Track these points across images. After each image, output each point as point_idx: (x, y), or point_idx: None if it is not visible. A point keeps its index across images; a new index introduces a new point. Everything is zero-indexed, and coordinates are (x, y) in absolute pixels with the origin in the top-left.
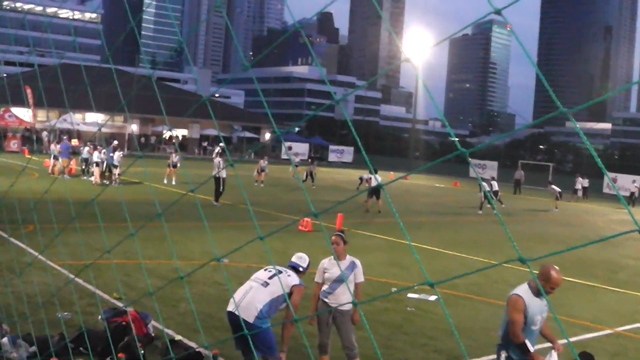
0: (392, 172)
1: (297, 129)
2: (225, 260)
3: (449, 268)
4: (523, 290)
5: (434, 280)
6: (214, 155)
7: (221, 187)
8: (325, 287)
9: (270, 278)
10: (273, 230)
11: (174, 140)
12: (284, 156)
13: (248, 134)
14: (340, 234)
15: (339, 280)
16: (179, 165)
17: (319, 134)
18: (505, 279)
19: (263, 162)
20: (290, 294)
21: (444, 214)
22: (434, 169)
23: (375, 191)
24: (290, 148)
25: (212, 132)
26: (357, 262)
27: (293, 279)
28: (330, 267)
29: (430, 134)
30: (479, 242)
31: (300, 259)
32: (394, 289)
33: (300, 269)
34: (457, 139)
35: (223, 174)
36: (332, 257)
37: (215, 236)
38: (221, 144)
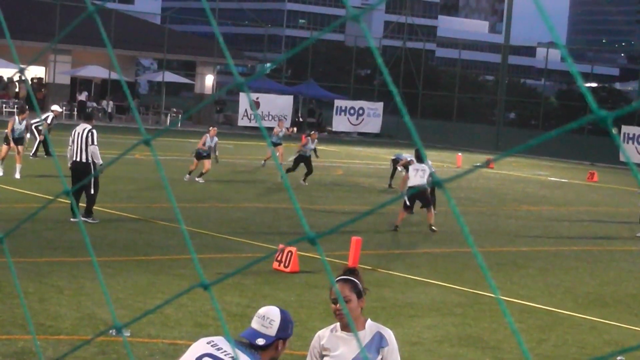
0: (460, 153)
1: (267, 65)
2: (125, 333)
3: (587, 345)
4: None
5: None
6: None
7: (91, 188)
8: None
9: None
10: (229, 272)
11: (16, 90)
12: (242, 122)
13: (172, 77)
14: (351, 276)
15: None
16: (28, 138)
17: (314, 76)
18: None
19: (209, 138)
20: None
21: (570, 239)
22: (547, 148)
23: (423, 193)
24: (256, 105)
25: (97, 72)
26: (388, 334)
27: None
28: (333, 345)
29: (540, 75)
30: None
31: (265, 320)
32: None
33: (261, 343)
34: (588, 87)
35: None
36: (337, 325)
37: (112, 283)
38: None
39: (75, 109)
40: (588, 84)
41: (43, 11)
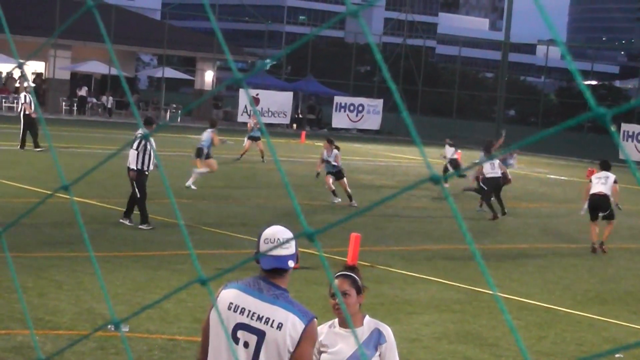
0: (459, 150)
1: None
2: (124, 329)
3: (585, 342)
4: None
5: None
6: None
7: (136, 191)
8: None
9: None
10: (227, 268)
11: (16, 85)
12: (242, 118)
13: (172, 73)
14: (352, 274)
15: None
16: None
17: (314, 72)
18: None
19: (208, 133)
20: (296, 351)
21: (569, 236)
22: (546, 145)
23: (496, 183)
24: (256, 102)
25: (97, 67)
26: (386, 331)
27: (295, 316)
28: (331, 342)
29: (540, 72)
30: None
31: (277, 240)
32: None
33: (292, 265)
34: (588, 84)
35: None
36: (336, 321)
37: (111, 278)
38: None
39: (75, 105)
40: (588, 82)
41: (43, 6)
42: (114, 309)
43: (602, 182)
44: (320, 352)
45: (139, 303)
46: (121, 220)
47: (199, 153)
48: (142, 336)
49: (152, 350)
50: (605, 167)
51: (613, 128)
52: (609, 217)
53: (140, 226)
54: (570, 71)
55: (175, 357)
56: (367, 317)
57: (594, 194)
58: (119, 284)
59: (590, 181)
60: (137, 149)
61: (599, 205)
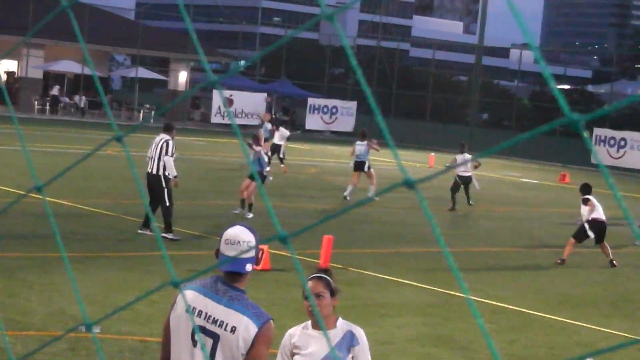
0: (432, 153)
1: (241, 63)
2: (95, 330)
3: (557, 346)
4: None
5: None
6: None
7: (166, 201)
8: None
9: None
10: (199, 271)
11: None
12: (216, 119)
13: (145, 73)
14: (325, 275)
15: None
16: None
17: (288, 74)
18: None
19: (364, 146)
20: (249, 353)
21: (541, 240)
22: (520, 149)
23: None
24: (230, 103)
25: (70, 67)
26: (359, 333)
27: (249, 319)
28: (304, 343)
29: (514, 76)
30: (614, 298)
31: (243, 244)
32: None
33: (250, 269)
34: (561, 89)
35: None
36: (309, 323)
37: (83, 279)
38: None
39: (48, 104)
40: (561, 86)
41: (16, 5)
42: (86, 310)
43: (602, 209)
44: (292, 354)
45: (111, 304)
46: (140, 231)
47: (360, 166)
48: (114, 337)
49: (123, 352)
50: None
51: (586, 134)
52: (600, 241)
53: (164, 235)
54: (544, 75)
55: (146, 358)
56: (340, 319)
57: (597, 220)
58: (91, 285)
59: (589, 201)
60: (172, 156)
61: (598, 232)
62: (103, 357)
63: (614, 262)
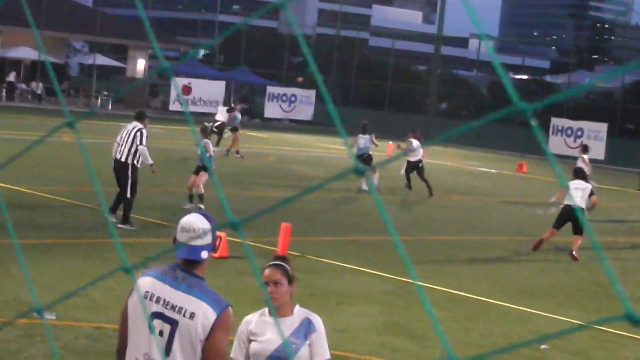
0: (391, 142)
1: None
2: (49, 316)
3: (512, 335)
4: None
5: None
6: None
7: (127, 192)
8: None
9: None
10: (151, 257)
11: None
12: (174, 106)
13: (103, 60)
14: (282, 262)
15: (280, 358)
16: None
17: (247, 62)
18: (618, 355)
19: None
20: (209, 340)
21: (498, 229)
22: (477, 139)
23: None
24: (188, 90)
25: (26, 53)
26: (316, 320)
27: (208, 305)
28: (261, 330)
29: (472, 66)
30: (569, 287)
31: (198, 231)
32: None
33: (205, 256)
34: (520, 79)
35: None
36: (267, 310)
37: (39, 266)
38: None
39: (4, 90)
40: (519, 76)
41: None
42: (42, 298)
43: (579, 195)
44: (249, 341)
45: (67, 292)
46: (111, 218)
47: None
48: (69, 324)
49: (78, 338)
50: (580, 175)
51: (534, 122)
52: (579, 232)
53: (121, 226)
54: (495, 65)
55: (102, 345)
56: (297, 306)
57: (568, 205)
58: (47, 273)
59: (567, 187)
60: (146, 145)
61: (571, 218)
62: (55, 344)
63: (574, 255)
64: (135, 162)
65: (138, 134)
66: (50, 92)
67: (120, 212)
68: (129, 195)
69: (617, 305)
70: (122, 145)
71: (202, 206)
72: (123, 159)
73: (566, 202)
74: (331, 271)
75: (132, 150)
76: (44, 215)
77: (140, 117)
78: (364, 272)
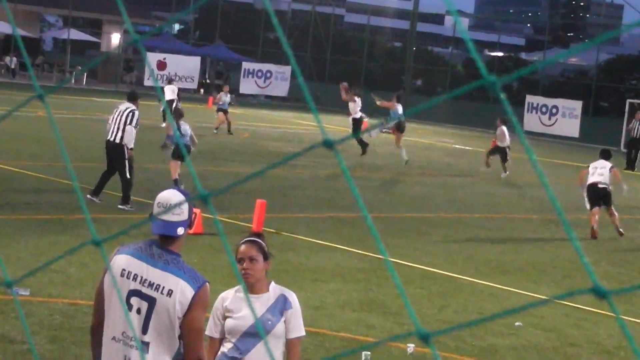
0: (365, 119)
1: (176, 26)
2: (23, 292)
3: (486, 311)
4: None
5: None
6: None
7: (127, 172)
8: (227, 347)
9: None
10: (121, 230)
11: None
12: (148, 82)
13: (78, 35)
14: (258, 239)
15: (255, 334)
16: None
17: (223, 38)
18: (591, 332)
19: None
20: (186, 316)
21: (472, 206)
22: (452, 116)
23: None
24: (163, 66)
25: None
26: (292, 297)
27: (185, 282)
28: (236, 307)
29: (448, 43)
30: (543, 265)
31: (174, 207)
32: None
33: (181, 232)
34: (495, 56)
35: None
36: (240, 287)
37: (12, 242)
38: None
39: None
40: (495, 53)
41: None
42: (16, 274)
43: (599, 173)
44: (225, 317)
45: (38, 267)
46: (90, 197)
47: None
48: (44, 300)
49: (53, 315)
50: (605, 156)
51: (503, 96)
52: (608, 204)
53: (121, 207)
54: (477, 42)
55: (77, 321)
56: (272, 283)
57: (592, 184)
58: (20, 248)
59: (588, 167)
60: (136, 126)
61: (599, 195)
62: (24, 320)
63: (620, 231)
64: (127, 143)
65: (130, 114)
66: (24, 67)
67: (108, 192)
68: (128, 175)
69: (589, 282)
70: (114, 125)
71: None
72: (118, 141)
73: (589, 181)
74: (306, 248)
75: (125, 131)
76: (17, 191)
77: (132, 98)
78: (339, 249)
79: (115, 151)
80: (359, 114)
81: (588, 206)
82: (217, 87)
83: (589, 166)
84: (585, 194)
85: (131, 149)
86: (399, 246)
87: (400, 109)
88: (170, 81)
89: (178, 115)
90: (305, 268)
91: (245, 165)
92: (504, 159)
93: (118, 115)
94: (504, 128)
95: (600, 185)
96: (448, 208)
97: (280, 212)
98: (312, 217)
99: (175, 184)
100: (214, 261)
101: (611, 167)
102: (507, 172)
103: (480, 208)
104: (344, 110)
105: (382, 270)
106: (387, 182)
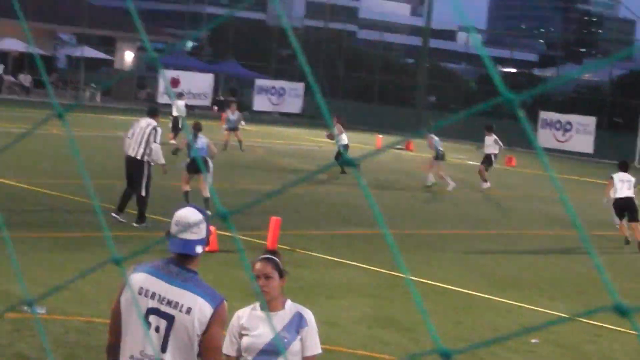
0: (380, 135)
1: (189, 43)
2: (40, 310)
3: (501, 328)
4: None
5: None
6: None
7: (142, 190)
8: None
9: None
10: (141, 249)
11: None
12: (162, 99)
13: (91, 52)
14: (273, 256)
15: (272, 352)
16: None
17: (235, 55)
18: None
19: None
20: (205, 334)
21: (487, 222)
22: (467, 132)
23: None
24: (176, 83)
25: (14, 45)
26: (308, 315)
27: (204, 300)
28: (253, 324)
29: (461, 59)
30: (558, 281)
31: (192, 226)
32: None
33: (200, 251)
34: (507, 72)
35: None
36: (258, 304)
37: (28, 260)
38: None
39: None
40: (507, 69)
41: None
42: (31, 292)
43: (627, 187)
44: (241, 335)
45: (56, 285)
46: (114, 215)
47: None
48: (59, 318)
49: (68, 333)
50: (624, 167)
51: (521, 113)
52: (634, 219)
53: (137, 225)
54: (490, 58)
55: (92, 339)
56: (289, 301)
57: (620, 199)
58: (35, 266)
59: (612, 179)
60: (160, 143)
61: (626, 208)
62: (46, 338)
63: None
64: (149, 160)
65: (153, 131)
66: (39, 84)
67: (130, 211)
68: (143, 193)
69: (605, 298)
70: (135, 141)
71: (209, 212)
72: (139, 157)
73: (617, 196)
74: (320, 265)
75: (148, 148)
76: (33, 208)
77: (153, 113)
78: (353, 266)
79: (135, 167)
80: (346, 140)
81: (616, 220)
82: (229, 104)
83: (612, 178)
84: (612, 208)
85: (164, 164)
86: (413, 262)
87: (436, 139)
88: (180, 95)
89: (196, 129)
90: (320, 285)
91: (260, 182)
92: (488, 165)
93: (140, 132)
94: (492, 136)
95: (627, 198)
96: (462, 224)
97: (295, 229)
98: (326, 233)
99: (186, 197)
100: (229, 278)
101: (636, 183)
102: (488, 184)
103: (495, 224)
104: (356, 126)
105: (396, 287)
106: (400, 198)
